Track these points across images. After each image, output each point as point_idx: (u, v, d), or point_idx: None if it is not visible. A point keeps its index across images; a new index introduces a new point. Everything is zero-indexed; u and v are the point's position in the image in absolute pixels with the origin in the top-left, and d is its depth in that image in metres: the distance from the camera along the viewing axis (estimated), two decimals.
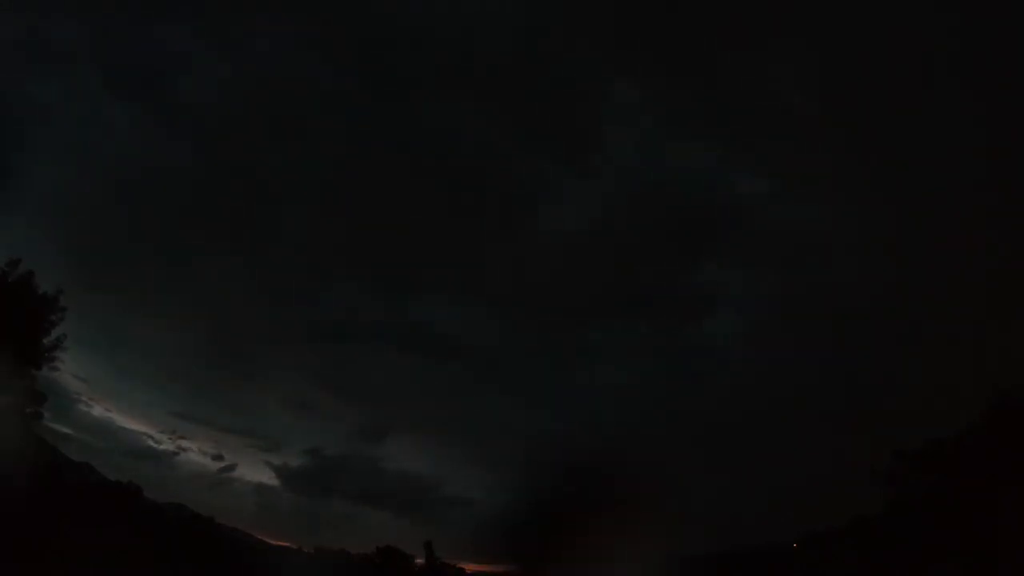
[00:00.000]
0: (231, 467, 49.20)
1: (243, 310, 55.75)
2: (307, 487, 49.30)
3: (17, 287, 32.55)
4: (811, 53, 47.06)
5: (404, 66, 57.55)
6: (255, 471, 49.65)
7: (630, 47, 52.60)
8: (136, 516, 34.03)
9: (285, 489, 49.24)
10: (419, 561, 44.16)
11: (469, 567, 43.21)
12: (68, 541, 25.19)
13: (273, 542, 42.85)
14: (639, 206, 54.91)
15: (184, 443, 48.82)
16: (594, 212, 55.59)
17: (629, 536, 25.22)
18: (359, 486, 49.26)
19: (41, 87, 57.09)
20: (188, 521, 38.11)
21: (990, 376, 31.73)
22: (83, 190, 54.31)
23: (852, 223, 46.62)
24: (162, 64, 59.96)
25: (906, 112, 45.27)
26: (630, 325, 53.79)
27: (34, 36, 56.21)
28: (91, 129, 58.88)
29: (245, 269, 57.09)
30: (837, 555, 32.22)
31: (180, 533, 35.44)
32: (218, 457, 49.17)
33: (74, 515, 27.56)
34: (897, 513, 31.19)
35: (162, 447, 48.35)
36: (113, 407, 48.34)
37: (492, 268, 55.12)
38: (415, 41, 57.10)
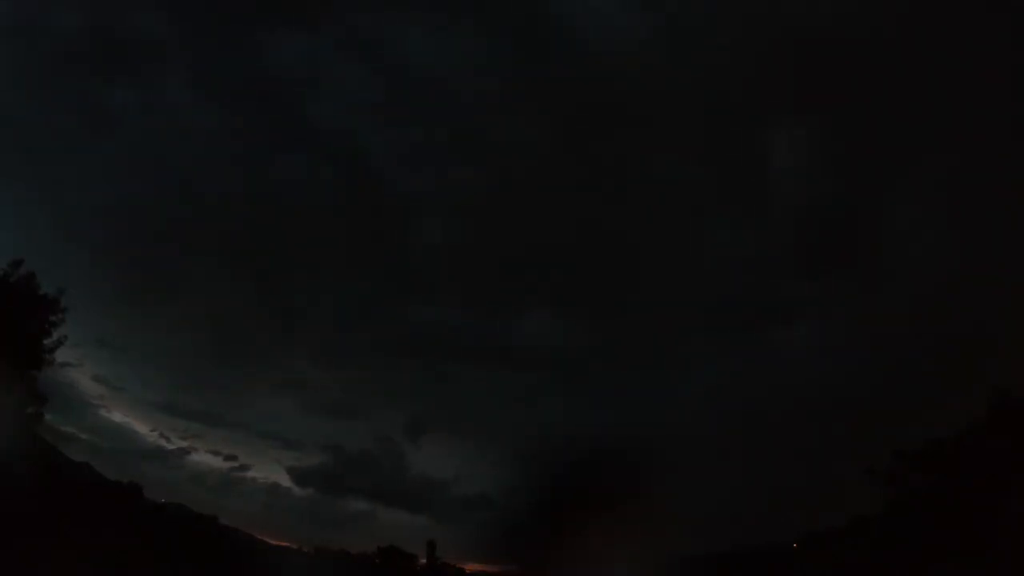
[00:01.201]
0: (245, 467, 49.26)
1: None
2: (322, 487, 49.44)
3: (18, 288, 32.66)
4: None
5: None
6: (270, 471, 49.76)
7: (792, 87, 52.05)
8: (136, 516, 34.04)
9: (299, 489, 49.35)
10: (422, 561, 44.24)
11: (473, 567, 43.23)
12: (67, 541, 25.20)
13: (273, 542, 42.89)
14: (767, 227, 54.28)
15: (197, 443, 48.97)
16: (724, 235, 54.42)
17: (629, 536, 25.22)
18: (378, 486, 49.30)
19: (119, 89, 57.23)
20: (188, 521, 38.10)
21: (990, 376, 31.79)
22: (148, 199, 54.18)
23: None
24: (282, 75, 58.97)
25: None
26: (718, 333, 53.01)
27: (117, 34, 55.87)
28: (174, 138, 58.13)
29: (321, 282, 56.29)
30: (837, 555, 32.18)
31: (179, 533, 35.43)
32: (231, 457, 49.24)
33: (74, 515, 27.56)
34: (897, 513, 31.17)
35: (174, 448, 48.49)
36: (130, 409, 48.67)
37: (593, 279, 54.33)
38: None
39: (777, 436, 42.86)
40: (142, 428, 48.64)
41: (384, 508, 49.10)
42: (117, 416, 48.10)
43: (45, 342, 33.23)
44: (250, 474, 49.26)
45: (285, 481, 49.50)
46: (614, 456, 29.06)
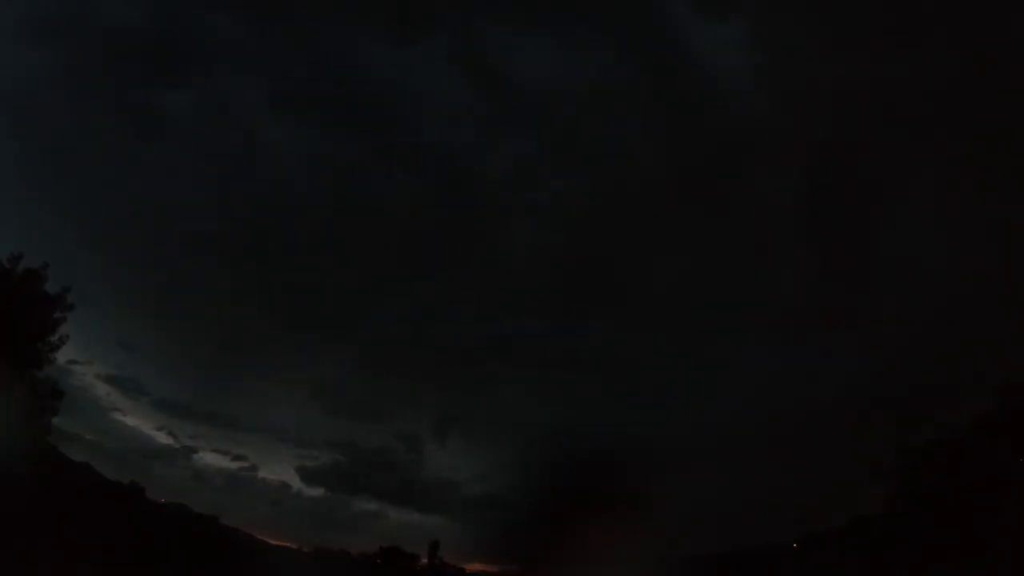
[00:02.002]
0: (253, 467, 49.20)
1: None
2: (333, 487, 49.36)
3: (22, 285, 32.56)
4: None
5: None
6: (280, 471, 49.66)
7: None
8: (136, 516, 34.03)
9: (309, 489, 49.27)
10: (424, 561, 44.28)
11: (477, 567, 43.21)
12: (67, 541, 25.22)
13: (273, 542, 42.89)
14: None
15: (206, 443, 48.79)
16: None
17: (629, 536, 25.22)
18: (390, 487, 49.20)
19: (175, 92, 55.84)
20: (188, 521, 38.11)
21: (991, 376, 31.80)
22: (186, 202, 53.60)
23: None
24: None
25: None
26: (719, 336, 52.83)
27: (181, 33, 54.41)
28: (236, 144, 57.12)
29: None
30: (837, 555, 32.19)
31: (179, 533, 35.44)
32: (240, 457, 49.18)
33: (73, 515, 27.56)
34: (897, 513, 31.20)
35: (183, 448, 48.37)
36: (140, 408, 48.53)
37: (640, 287, 54.08)
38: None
39: (777, 437, 42.91)
40: (151, 428, 48.53)
41: (395, 508, 49.09)
42: (126, 416, 48.12)
43: (48, 340, 33.14)
44: (260, 474, 49.26)
45: (295, 481, 49.46)
46: (614, 456, 29.09)
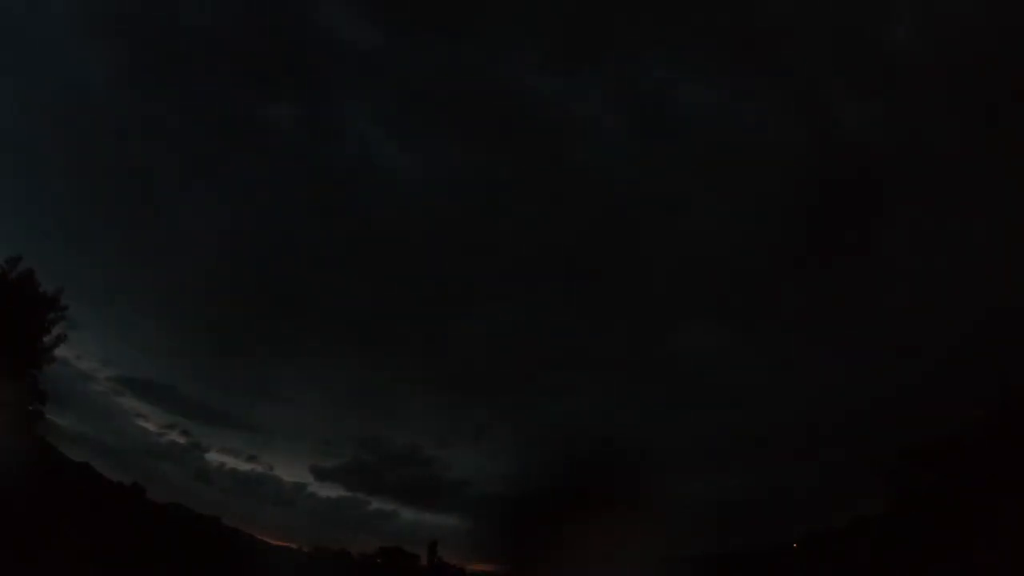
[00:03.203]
0: (269, 467, 49.10)
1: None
2: (352, 486, 49.29)
3: (17, 286, 32.62)
4: None
5: None
6: (294, 472, 49.55)
7: None
8: (135, 516, 34.04)
9: (324, 488, 49.16)
10: (423, 562, 44.26)
11: (479, 567, 43.17)
12: (66, 541, 25.20)
13: (274, 542, 42.85)
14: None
15: (218, 444, 48.53)
16: None
17: (629, 536, 25.23)
18: (409, 485, 49.12)
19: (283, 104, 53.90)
20: (188, 521, 38.10)
21: (991, 376, 31.82)
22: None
23: None
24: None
25: None
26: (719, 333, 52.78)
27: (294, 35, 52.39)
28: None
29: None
30: (837, 555, 32.21)
31: (179, 533, 35.44)
32: (253, 458, 49.10)
33: (73, 515, 27.56)
34: (897, 513, 31.22)
35: (193, 447, 48.16)
36: (149, 408, 48.22)
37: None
38: None
39: (778, 437, 42.96)
40: (163, 428, 48.41)
41: (409, 508, 48.95)
42: (140, 418, 47.98)
43: (44, 340, 33.18)
44: (275, 473, 49.08)
45: (309, 481, 49.27)
46: (614, 456, 29.10)
